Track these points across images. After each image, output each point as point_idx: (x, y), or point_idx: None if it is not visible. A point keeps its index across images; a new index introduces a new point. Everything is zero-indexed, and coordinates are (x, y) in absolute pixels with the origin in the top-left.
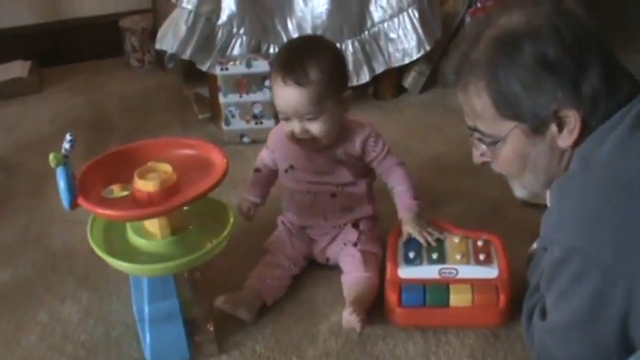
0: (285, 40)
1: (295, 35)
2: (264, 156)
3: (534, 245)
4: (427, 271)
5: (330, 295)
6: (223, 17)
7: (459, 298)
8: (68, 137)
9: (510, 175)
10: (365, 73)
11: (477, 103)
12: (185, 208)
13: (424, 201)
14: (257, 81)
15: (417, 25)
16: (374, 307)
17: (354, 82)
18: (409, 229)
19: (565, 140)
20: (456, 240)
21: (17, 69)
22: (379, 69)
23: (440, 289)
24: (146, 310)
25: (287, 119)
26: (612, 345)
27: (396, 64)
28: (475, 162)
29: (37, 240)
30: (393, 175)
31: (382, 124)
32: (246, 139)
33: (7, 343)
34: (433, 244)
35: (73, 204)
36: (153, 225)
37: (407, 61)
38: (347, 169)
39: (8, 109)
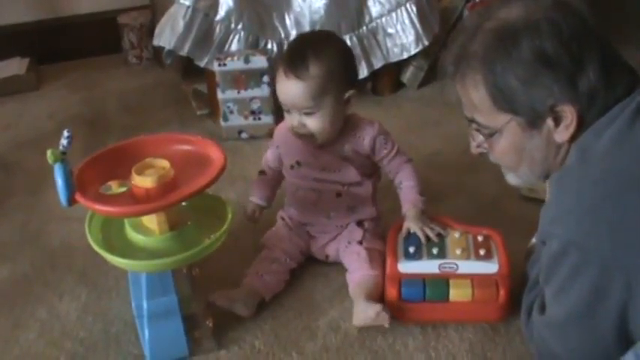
0: (282, 35)
1: (293, 31)
2: (269, 156)
3: (533, 240)
4: (427, 266)
5: (328, 290)
6: (221, 13)
7: (458, 293)
8: (66, 134)
9: (506, 167)
10: (363, 69)
11: (474, 95)
12: (183, 203)
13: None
14: (255, 77)
15: (415, 20)
16: None
17: None
18: (411, 224)
19: (561, 135)
20: (456, 235)
21: (15, 66)
22: (377, 64)
23: (440, 283)
24: (145, 306)
25: (288, 112)
26: (610, 339)
27: (395, 59)
28: (472, 152)
29: (36, 237)
30: (401, 172)
31: (381, 120)
32: (244, 135)
33: (5, 340)
34: (434, 239)
35: (71, 200)
36: (151, 221)
37: (405, 56)
38: (354, 168)
39: (6, 106)
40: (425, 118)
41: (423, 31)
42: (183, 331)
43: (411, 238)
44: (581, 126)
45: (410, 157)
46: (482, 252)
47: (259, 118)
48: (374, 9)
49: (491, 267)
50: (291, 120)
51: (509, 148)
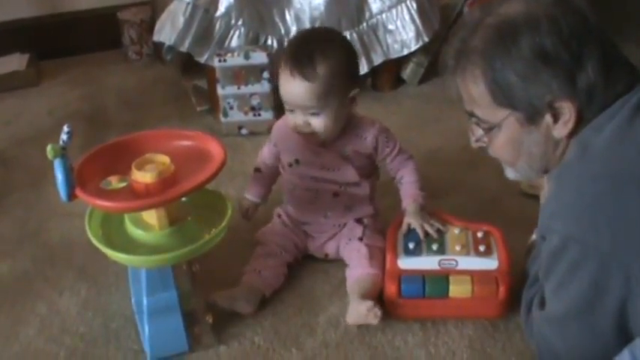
0: (283, 32)
1: (293, 27)
2: (265, 154)
3: (533, 236)
4: (427, 262)
5: (328, 287)
6: (221, 9)
7: (458, 290)
8: (66, 129)
9: (505, 162)
10: (363, 65)
11: (474, 90)
12: (183, 199)
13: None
14: (255, 73)
15: (416, 16)
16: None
17: None
18: (410, 220)
19: (560, 131)
20: (456, 231)
21: (15, 62)
22: (377, 60)
23: (439, 280)
24: (145, 301)
25: (291, 111)
26: (610, 334)
27: (395, 56)
28: (472, 146)
29: (36, 233)
30: (403, 169)
31: (380, 116)
32: (244, 131)
33: (5, 336)
34: (434, 235)
35: (71, 196)
36: (151, 216)
37: (405, 52)
38: (353, 168)
39: (6, 102)
40: (425, 115)
41: (423, 28)
42: (183, 326)
43: (410, 234)
44: (580, 122)
45: (411, 154)
46: (482, 248)
47: (259, 114)
48: (374, 5)
49: (491, 263)
50: (295, 119)
51: (507, 143)
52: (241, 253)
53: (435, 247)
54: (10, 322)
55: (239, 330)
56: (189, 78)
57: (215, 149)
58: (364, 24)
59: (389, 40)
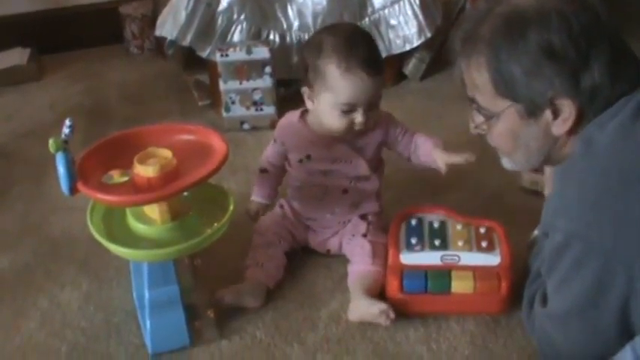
0: (285, 27)
1: (296, 22)
2: (270, 153)
3: (536, 232)
4: (429, 258)
5: (330, 282)
6: (223, 3)
7: (460, 285)
8: (68, 122)
9: (502, 151)
10: None
11: (477, 77)
12: (185, 193)
13: (425, 189)
14: (257, 67)
15: (418, 11)
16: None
17: None
18: (449, 158)
19: (558, 128)
20: (459, 227)
21: (16, 56)
22: None
23: (442, 275)
24: (146, 295)
25: (351, 111)
26: (612, 331)
27: (397, 51)
28: (471, 132)
29: (37, 227)
30: (414, 140)
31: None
32: (246, 126)
33: (6, 330)
34: (464, 161)
35: (73, 190)
36: (153, 210)
37: (407, 47)
38: (365, 160)
39: (7, 96)
40: (427, 110)
41: (426, 23)
42: (185, 321)
43: (413, 229)
44: (581, 121)
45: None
46: (484, 244)
47: (261, 109)
48: (376, 0)
49: (493, 259)
50: (356, 117)
51: (505, 133)
52: (243, 247)
53: (437, 242)
54: (11, 315)
55: (240, 324)
56: (191, 73)
57: (217, 144)
58: (366, 19)
59: (391, 36)
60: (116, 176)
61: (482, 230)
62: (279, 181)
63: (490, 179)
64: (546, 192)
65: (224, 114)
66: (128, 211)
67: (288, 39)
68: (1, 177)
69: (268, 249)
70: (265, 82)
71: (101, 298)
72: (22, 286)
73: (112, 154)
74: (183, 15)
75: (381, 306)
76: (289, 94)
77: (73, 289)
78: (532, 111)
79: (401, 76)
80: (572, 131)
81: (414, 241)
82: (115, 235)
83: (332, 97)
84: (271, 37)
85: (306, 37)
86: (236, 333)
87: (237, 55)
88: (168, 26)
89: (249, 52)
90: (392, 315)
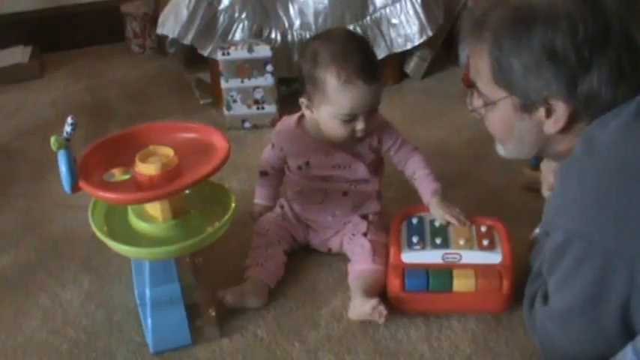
0: (286, 25)
1: (297, 21)
2: (270, 157)
3: (537, 230)
4: (430, 256)
5: (331, 280)
6: (225, 2)
7: (462, 284)
8: (70, 120)
9: (497, 138)
10: None
11: (479, 62)
12: (187, 191)
13: None
14: (259, 66)
15: (419, 10)
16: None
17: None
18: (444, 214)
19: (550, 127)
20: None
21: (18, 54)
22: (381, 54)
23: (443, 274)
24: (148, 294)
25: (352, 120)
26: (613, 330)
27: (398, 50)
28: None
29: (38, 225)
30: (411, 160)
31: (384, 110)
32: (247, 125)
33: (8, 328)
34: (462, 225)
35: (74, 187)
36: (154, 208)
37: (409, 46)
38: (364, 164)
39: (9, 94)
40: (428, 109)
41: (427, 22)
42: (186, 319)
43: (414, 227)
44: (574, 122)
45: (416, 146)
46: (485, 242)
47: (263, 108)
48: None
49: (494, 257)
50: (357, 125)
51: (500, 122)
52: (244, 246)
53: (438, 240)
54: (12, 313)
55: (242, 323)
56: (193, 71)
57: (219, 142)
58: (368, 18)
59: (392, 34)
60: (118, 174)
61: (483, 229)
62: (280, 183)
63: (491, 178)
64: (543, 189)
65: (225, 112)
66: (130, 209)
67: (289, 37)
68: (2, 175)
69: (268, 249)
70: (267, 80)
71: (102, 296)
72: (24, 284)
73: (113, 152)
74: (184, 13)
75: (373, 302)
76: (291, 92)
77: (75, 287)
78: (526, 106)
79: (402, 75)
80: (565, 130)
81: (415, 239)
82: (117, 233)
83: (332, 109)
84: (273, 35)
85: (308, 35)
86: (237, 331)
87: (238, 53)
88: (170, 24)
89: (250, 50)
90: (383, 310)
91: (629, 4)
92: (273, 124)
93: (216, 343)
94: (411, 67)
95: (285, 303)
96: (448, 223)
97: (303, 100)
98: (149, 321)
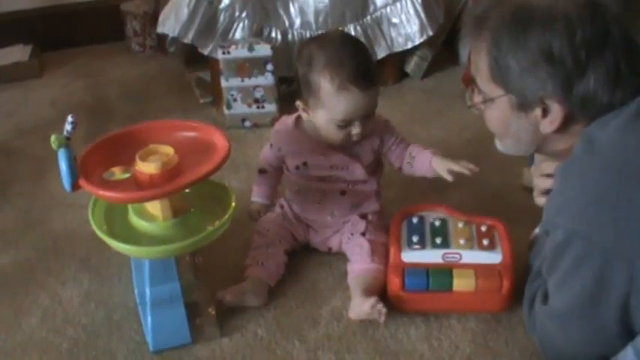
0: (287, 24)
1: (298, 20)
2: (268, 156)
3: (537, 230)
4: (430, 256)
5: (331, 279)
6: (225, 1)
7: (462, 283)
8: (70, 119)
9: (495, 134)
10: None
11: (478, 60)
12: (187, 190)
13: (426, 187)
14: (259, 65)
15: (420, 9)
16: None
17: None
18: (451, 165)
19: (545, 127)
20: (460, 225)
21: (18, 53)
22: (381, 54)
23: (443, 273)
24: (148, 292)
25: (347, 124)
26: (613, 330)
27: (399, 49)
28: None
29: (38, 224)
30: (408, 151)
31: (384, 110)
32: (247, 124)
33: (8, 327)
34: (468, 172)
35: (75, 186)
36: (154, 207)
37: (409, 46)
38: (362, 166)
39: (9, 93)
40: (428, 109)
41: (428, 22)
42: (186, 318)
43: (414, 227)
44: (570, 123)
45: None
46: (485, 242)
47: (263, 107)
48: None
49: (494, 257)
50: (354, 130)
51: (497, 119)
52: (244, 245)
53: (438, 240)
54: (12, 312)
55: (242, 322)
56: (193, 70)
57: (219, 141)
58: (368, 17)
59: (393, 34)
60: (118, 173)
61: (483, 228)
62: (278, 181)
63: (491, 178)
64: (535, 194)
65: (225, 111)
66: (130, 207)
67: (290, 36)
68: (2, 173)
69: (269, 249)
70: (267, 79)
71: (102, 294)
72: (23, 283)
73: (113, 150)
74: (185, 12)
75: (372, 301)
76: (291, 91)
77: (74, 286)
78: (523, 105)
79: (402, 75)
80: (562, 131)
81: (415, 239)
82: (117, 231)
83: (327, 114)
84: (273, 34)
85: (308, 34)
86: (237, 330)
87: (238, 52)
88: (170, 23)
89: (250, 49)
90: (382, 309)
91: (629, 8)
92: (273, 123)
93: (216, 342)
94: (411, 66)
95: (285, 302)
96: (445, 222)
97: (299, 103)
98: (149, 320)
